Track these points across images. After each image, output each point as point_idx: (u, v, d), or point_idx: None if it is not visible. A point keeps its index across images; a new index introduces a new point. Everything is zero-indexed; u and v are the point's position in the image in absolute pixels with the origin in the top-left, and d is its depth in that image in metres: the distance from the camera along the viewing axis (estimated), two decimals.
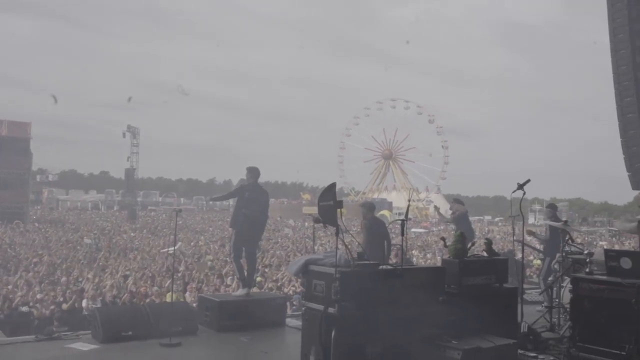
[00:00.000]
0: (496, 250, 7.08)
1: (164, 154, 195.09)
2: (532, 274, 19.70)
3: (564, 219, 9.78)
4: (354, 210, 72.12)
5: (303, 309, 4.89)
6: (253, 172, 8.68)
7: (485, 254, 5.97)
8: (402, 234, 5.08)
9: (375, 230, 9.09)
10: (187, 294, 13.98)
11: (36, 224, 40.55)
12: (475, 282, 5.53)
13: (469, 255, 5.70)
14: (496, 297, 5.66)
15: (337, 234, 4.48)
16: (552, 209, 11.06)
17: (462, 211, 10.99)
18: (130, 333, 7.35)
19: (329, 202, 4.50)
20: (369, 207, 9.66)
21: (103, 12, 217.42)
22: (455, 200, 11.72)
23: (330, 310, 4.43)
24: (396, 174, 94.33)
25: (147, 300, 12.81)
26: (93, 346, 7.06)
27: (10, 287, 14.29)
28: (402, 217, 5.43)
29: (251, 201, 8.47)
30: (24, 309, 12.85)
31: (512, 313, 5.82)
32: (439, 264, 16.31)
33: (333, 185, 4.71)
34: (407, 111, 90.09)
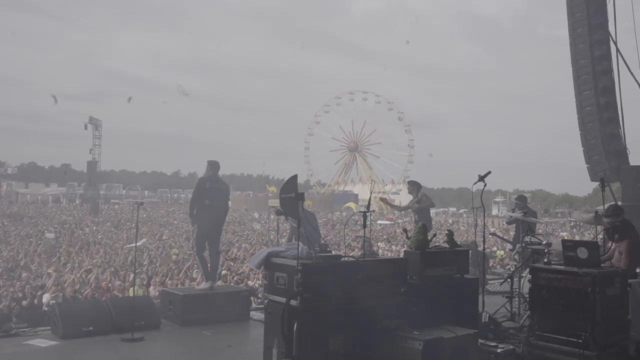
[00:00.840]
0: (459, 242, 7.18)
1: (128, 146, 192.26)
2: (495, 264, 20.07)
3: (524, 210, 9.94)
4: (319, 202, 72.43)
5: (266, 301, 4.88)
6: (213, 165, 8.72)
7: (447, 245, 6.03)
8: (364, 226, 5.10)
9: None
10: (151, 288, 13.83)
11: None
12: (437, 273, 5.58)
13: (430, 246, 5.75)
14: (457, 288, 5.72)
15: (298, 226, 4.47)
16: (521, 200, 11.25)
17: (428, 204, 10.88)
18: (91, 328, 7.24)
19: (291, 194, 4.49)
20: None
21: (65, 1, 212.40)
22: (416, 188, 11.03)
23: (293, 302, 4.42)
24: (362, 167, 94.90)
25: (110, 295, 12.64)
26: (53, 342, 6.94)
27: None
28: (365, 209, 5.45)
29: (212, 191, 8.47)
30: None
31: (473, 303, 5.90)
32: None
33: (294, 177, 4.70)
34: (377, 105, 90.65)
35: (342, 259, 4.85)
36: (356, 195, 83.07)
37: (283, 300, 4.51)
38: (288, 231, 9.23)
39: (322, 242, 4.89)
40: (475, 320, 5.81)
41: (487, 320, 6.28)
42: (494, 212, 71.09)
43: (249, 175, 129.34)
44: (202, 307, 8.05)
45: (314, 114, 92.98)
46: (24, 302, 12.41)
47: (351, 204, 73.24)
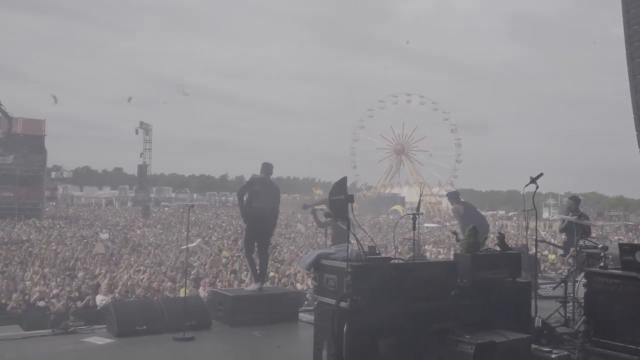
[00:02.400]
0: (510, 245, 7.06)
1: (177, 150, 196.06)
2: (546, 268, 19.61)
3: (578, 213, 9.68)
4: (365, 205, 72.25)
5: (315, 303, 4.90)
6: (265, 167, 8.71)
7: (498, 248, 5.95)
8: (414, 228, 5.08)
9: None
10: (200, 290, 14.07)
11: (51, 220, 40.90)
12: (488, 276, 5.51)
13: (481, 249, 5.68)
14: (509, 292, 5.62)
15: (348, 228, 4.48)
16: (575, 201, 10.82)
17: (460, 209, 10.45)
18: (144, 327, 7.41)
19: (340, 196, 4.50)
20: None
21: (114, 10, 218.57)
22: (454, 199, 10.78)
23: (342, 304, 4.43)
24: (409, 169, 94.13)
25: (160, 295, 12.93)
26: (108, 340, 7.12)
27: (27, 282, 14.47)
28: (414, 211, 5.42)
29: (261, 194, 8.50)
30: (41, 303, 13.01)
31: (525, 308, 5.79)
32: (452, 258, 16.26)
33: (344, 179, 4.70)
34: (422, 107, 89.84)
35: (392, 261, 4.83)
36: (403, 198, 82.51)
37: (333, 302, 4.53)
38: (332, 234, 9.19)
39: (371, 244, 4.86)
40: (527, 325, 5.70)
41: (540, 325, 6.14)
42: (545, 215, 69.51)
43: (295, 178, 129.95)
44: (251, 308, 8.14)
45: (358, 118, 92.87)
46: (79, 303, 12.82)
47: (398, 207, 72.85)
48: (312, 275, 10.92)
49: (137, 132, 54.19)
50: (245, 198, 8.53)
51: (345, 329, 4.38)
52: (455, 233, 6.27)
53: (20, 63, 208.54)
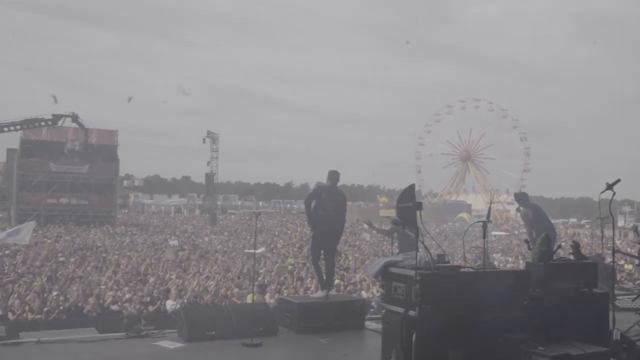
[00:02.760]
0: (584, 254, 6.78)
1: (243, 158, 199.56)
2: (623, 279, 18.75)
3: None
4: (430, 213, 71.28)
5: (383, 311, 4.86)
6: (332, 175, 8.72)
7: (572, 257, 5.73)
8: (484, 236, 4.97)
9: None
10: (266, 296, 14.22)
11: (123, 227, 42.39)
12: (562, 286, 5.31)
13: (555, 258, 5.49)
14: (585, 303, 5.40)
15: (416, 235, 4.43)
16: None
17: (528, 213, 9.86)
18: (213, 333, 7.56)
19: (408, 203, 4.45)
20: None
21: (182, 22, 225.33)
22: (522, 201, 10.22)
23: (411, 313, 4.38)
24: (475, 176, 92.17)
25: (228, 301, 13.16)
26: (179, 344, 7.30)
27: (102, 287, 15.04)
28: (483, 219, 5.30)
29: (327, 201, 8.51)
30: (114, 307, 13.49)
31: (602, 320, 5.54)
32: (521, 267, 15.75)
33: (412, 186, 4.66)
34: (490, 113, 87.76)
35: (462, 269, 4.74)
36: (469, 206, 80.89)
37: (401, 310, 4.48)
38: (398, 241, 9.08)
39: (440, 252, 4.78)
40: (605, 338, 5.45)
41: (619, 338, 5.85)
42: (620, 223, 66.54)
43: (360, 185, 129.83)
44: (318, 315, 8.16)
45: (424, 123, 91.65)
46: (151, 308, 13.20)
47: (464, 214, 71.44)
48: (378, 283, 10.85)
49: (204, 141, 55.50)
50: (312, 205, 8.57)
51: (414, 338, 4.33)
52: (527, 241, 6.07)
53: (93, 76, 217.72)
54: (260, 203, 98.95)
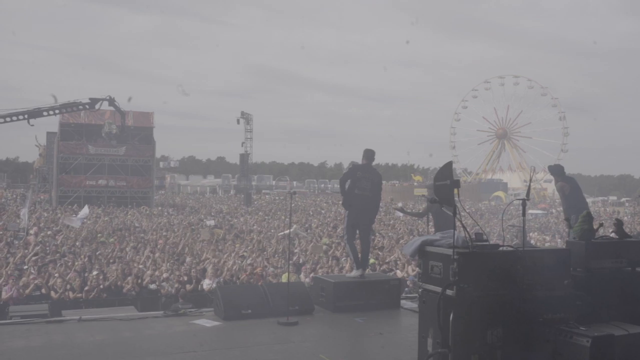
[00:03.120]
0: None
1: (277, 139, 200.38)
2: None
3: None
4: (465, 191, 70.46)
5: (420, 290, 4.81)
6: (367, 154, 8.68)
7: (615, 235, 5.58)
8: (524, 215, 4.85)
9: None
10: (302, 275, 14.29)
11: (159, 208, 43.03)
12: (604, 265, 5.18)
13: (596, 237, 5.35)
14: (628, 282, 5.25)
15: (454, 214, 4.35)
16: None
17: (565, 187, 9.45)
18: (249, 311, 7.65)
19: (446, 181, 4.37)
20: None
21: (218, 2, 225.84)
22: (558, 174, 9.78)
23: (449, 292, 4.31)
24: (511, 154, 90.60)
25: (263, 281, 13.28)
26: (216, 323, 7.41)
27: (140, 266, 15.31)
28: (521, 196, 5.17)
29: (363, 181, 8.47)
30: (152, 286, 13.73)
31: None
32: (559, 246, 15.43)
33: (449, 163, 4.56)
34: (517, 87, 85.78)
35: (500, 248, 4.64)
36: (505, 184, 79.72)
37: (438, 289, 4.42)
38: (433, 220, 8.98)
39: (478, 231, 4.69)
40: None
41: None
42: None
43: (394, 164, 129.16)
44: (353, 294, 8.17)
45: (461, 99, 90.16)
46: (188, 287, 13.39)
47: (500, 193, 70.52)
48: (414, 262, 10.78)
49: (238, 122, 55.70)
50: (347, 185, 8.54)
51: (451, 317, 4.27)
52: (567, 219, 5.93)
53: (129, 60, 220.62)
54: (295, 183, 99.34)
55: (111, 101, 36.45)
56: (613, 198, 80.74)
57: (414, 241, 4.84)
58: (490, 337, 4.37)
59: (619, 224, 5.57)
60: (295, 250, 18.59)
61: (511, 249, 4.70)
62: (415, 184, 78.15)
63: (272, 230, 26.22)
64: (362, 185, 8.44)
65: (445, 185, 4.33)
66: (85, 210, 25.03)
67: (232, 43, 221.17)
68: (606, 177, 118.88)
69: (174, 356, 5.90)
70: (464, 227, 4.48)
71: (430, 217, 9.16)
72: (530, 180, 6.34)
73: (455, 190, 4.48)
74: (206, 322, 7.43)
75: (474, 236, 4.57)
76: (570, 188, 9.46)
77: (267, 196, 69.21)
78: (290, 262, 15.71)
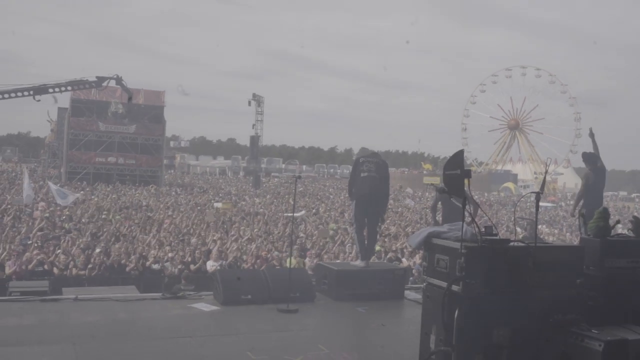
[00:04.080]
0: None
1: (288, 122, 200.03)
2: None
3: None
4: (475, 182, 69.88)
5: (424, 284, 4.59)
6: (364, 151, 8.57)
7: (632, 233, 5.31)
8: (537, 208, 4.60)
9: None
10: (307, 260, 14.12)
11: (168, 187, 42.99)
12: (620, 264, 4.90)
13: (612, 234, 5.09)
14: None
15: (463, 205, 4.11)
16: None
17: (590, 177, 9.06)
18: (249, 297, 7.47)
19: (456, 171, 4.12)
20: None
21: None
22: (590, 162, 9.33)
23: (454, 288, 4.08)
24: (522, 145, 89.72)
25: (268, 264, 13.14)
26: (214, 307, 7.25)
27: (144, 245, 15.19)
28: (533, 189, 4.93)
29: (367, 164, 8.30)
30: (156, 266, 13.60)
31: None
32: (568, 240, 15.09)
33: (460, 152, 4.30)
34: (537, 79, 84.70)
35: (511, 243, 4.40)
36: (515, 175, 79.04)
37: (443, 284, 4.19)
38: (442, 210, 8.75)
39: (489, 223, 4.45)
40: None
41: None
42: None
43: (404, 152, 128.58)
44: (356, 283, 7.97)
45: (470, 94, 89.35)
46: (192, 267, 13.26)
47: (510, 184, 69.98)
48: (421, 252, 10.52)
49: (249, 104, 55.24)
50: (352, 174, 8.36)
51: (456, 314, 4.04)
52: (582, 215, 5.65)
53: (143, 37, 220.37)
54: (304, 167, 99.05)
55: (118, 80, 36.03)
56: (623, 193, 79.89)
57: (420, 232, 4.61)
58: (496, 337, 4.14)
59: (636, 221, 5.29)
60: (301, 235, 18.41)
61: (522, 244, 4.46)
62: (425, 172, 77.65)
63: (279, 214, 26.04)
64: (367, 167, 8.26)
65: (455, 174, 4.09)
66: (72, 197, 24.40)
67: (247, 25, 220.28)
68: (617, 171, 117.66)
69: (168, 341, 5.74)
70: (473, 219, 4.25)
71: (440, 206, 8.93)
72: (546, 173, 6.06)
73: (466, 181, 4.24)
74: (204, 306, 7.26)
75: (483, 229, 4.32)
76: (594, 180, 9.08)
77: (276, 179, 68.99)
78: (295, 246, 15.58)
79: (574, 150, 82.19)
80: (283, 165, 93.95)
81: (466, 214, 4.10)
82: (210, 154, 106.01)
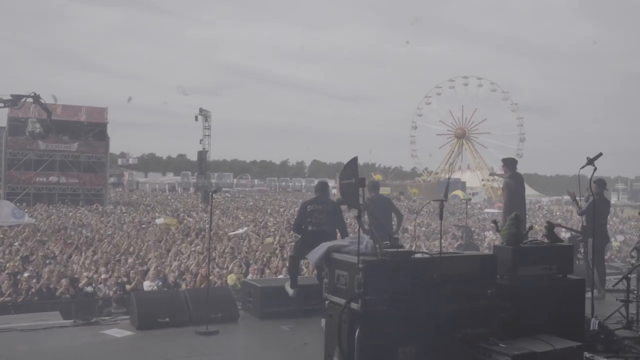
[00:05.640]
0: (571, 233, 6.23)
1: (239, 136, 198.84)
2: (614, 256, 18.25)
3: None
4: (425, 191, 70.66)
5: (327, 302, 4.29)
6: (320, 186, 7.56)
7: (546, 239, 5.16)
8: (440, 218, 4.37)
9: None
10: (249, 277, 13.70)
11: (112, 206, 41.80)
12: (533, 272, 4.72)
13: (525, 241, 4.92)
14: (558, 291, 4.82)
15: (359, 216, 3.85)
16: (599, 185, 8.99)
17: (511, 184, 8.82)
18: (167, 320, 7.05)
19: (351, 180, 3.86)
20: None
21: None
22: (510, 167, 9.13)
23: (354, 305, 3.81)
24: (470, 153, 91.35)
25: (207, 282, 12.71)
26: (127, 333, 6.80)
27: (77, 267, 14.51)
28: (480, 196, 4.73)
29: (314, 213, 7.16)
30: (89, 289, 12.96)
31: (578, 309, 4.96)
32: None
33: (354, 160, 4.05)
34: (480, 88, 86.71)
35: (415, 255, 4.16)
36: (464, 183, 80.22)
37: (343, 302, 3.92)
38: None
39: (395, 234, 4.20)
40: (581, 330, 4.90)
41: (596, 328, 5.30)
42: (614, 200, 66.08)
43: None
44: (282, 299, 7.59)
45: (416, 106, 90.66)
46: (128, 287, 12.68)
47: (458, 192, 70.78)
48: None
49: (196, 119, 54.45)
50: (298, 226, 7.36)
51: (357, 334, 3.77)
52: (495, 222, 5.49)
53: (91, 53, 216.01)
54: (256, 181, 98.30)
55: (36, 98, 34.38)
56: (567, 197, 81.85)
57: (320, 247, 4.31)
58: (402, 356, 3.88)
59: (550, 226, 5.15)
60: (244, 250, 17.99)
61: (428, 256, 4.22)
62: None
63: (226, 229, 25.52)
64: (314, 219, 7.12)
65: (350, 183, 3.83)
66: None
67: (199, 39, 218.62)
68: (562, 176, 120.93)
69: None
70: (372, 230, 3.99)
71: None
72: (449, 179, 5.89)
73: (415, 190, 3.98)
74: (117, 332, 6.80)
75: (388, 242, 4.07)
76: (516, 185, 8.90)
77: (227, 194, 68.08)
78: (235, 261, 15.15)
79: (520, 154, 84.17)
80: (234, 180, 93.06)
81: (366, 225, 3.84)
82: (160, 170, 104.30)
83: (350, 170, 3.92)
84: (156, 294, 9.45)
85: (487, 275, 4.40)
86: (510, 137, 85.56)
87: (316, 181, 7.90)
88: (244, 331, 7.12)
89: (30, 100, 27.18)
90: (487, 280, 4.38)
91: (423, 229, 29.09)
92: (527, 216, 9.18)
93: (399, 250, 4.07)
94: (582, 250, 8.97)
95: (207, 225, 28.58)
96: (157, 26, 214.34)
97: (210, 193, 7.55)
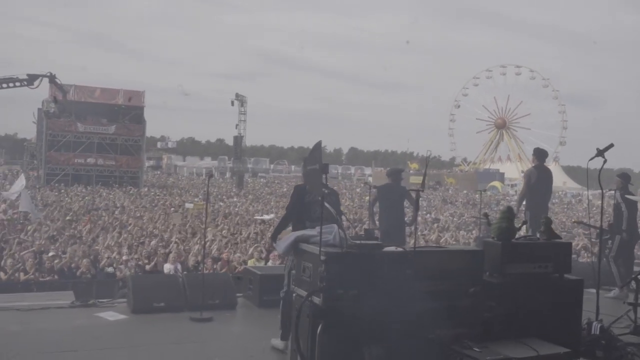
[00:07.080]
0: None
1: (277, 122, 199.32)
2: None
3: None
4: (463, 181, 69.47)
5: (294, 295, 4.07)
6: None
7: (543, 235, 4.80)
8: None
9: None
10: (269, 263, 13.58)
11: (146, 189, 42.31)
12: (524, 270, 4.38)
13: (518, 236, 4.58)
14: (553, 291, 4.46)
15: (321, 203, 3.60)
16: (623, 179, 8.75)
17: (532, 174, 8.45)
18: (162, 304, 6.96)
19: (315, 165, 3.62)
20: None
21: None
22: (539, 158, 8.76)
23: (315, 300, 3.58)
24: (510, 144, 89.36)
25: (229, 266, 12.67)
26: (121, 316, 6.74)
27: (100, 247, 14.62)
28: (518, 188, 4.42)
29: (314, 205, 6.85)
30: (109, 269, 13.04)
31: (575, 312, 4.59)
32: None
33: (318, 144, 3.78)
34: (518, 77, 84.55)
35: (386, 248, 3.88)
36: (502, 174, 78.64)
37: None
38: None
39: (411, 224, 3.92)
40: (577, 334, 4.55)
41: (597, 332, 4.92)
42: None
43: (393, 151, 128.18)
44: (281, 287, 7.42)
45: (455, 95, 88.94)
46: (147, 267, 12.71)
47: (496, 183, 69.46)
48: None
49: (232, 104, 54.60)
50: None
51: (319, 330, 3.54)
52: (486, 215, 5.14)
53: (124, 37, 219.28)
54: (293, 167, 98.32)
55: (52, 78, 34.62)
56: (611, 192, 79.41)
57: (288, 237, 4.09)
58: (368, 356, 3.63)
59: (547, 222, 4.78)
60: (268, 235, 17.88)
61: (400, 250, 3.94)
62: (411, 171, 77.07)
63: (255, 215, 25.48)
64: (313, 213, 6.77)
65: (314, 170, 3.58)
66: (21, 180, 23.54)
67: (236, 26, 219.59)
68: (607, 170, 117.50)
69: (45, 356, 5.20)
70: (339, 221, 3.74)
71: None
72: (426, 169, 5.59)
73: (452, 180, 3.73)
74: (111, 315, 6.74)
75: (362, 233, 3.81)
76: (538, 178, 8.46)
77: (262, 180, 68.30)
78: (258, 248, 15.05)
79: (563, 142, 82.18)
80: (271, 166, 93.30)
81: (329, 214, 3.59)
82: (198, 154, 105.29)
83: (315, 156, 3.67)
84: (154, 277, 9.42)
85: (472, 272, 4.11)
86: (552, 125, 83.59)
87: (353, 169, 7.63)
88: (240, 318, 7.01)
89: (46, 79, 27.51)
90: (472, 278, 4.08)
91: (455, 219, 28.50)
92: (548, 211, 8.73)
93: (369, 243, 3.81)
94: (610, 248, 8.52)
95: (236, 209, 28.65)
96: (195, 12, 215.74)
97: (207, 176, 7.37)
